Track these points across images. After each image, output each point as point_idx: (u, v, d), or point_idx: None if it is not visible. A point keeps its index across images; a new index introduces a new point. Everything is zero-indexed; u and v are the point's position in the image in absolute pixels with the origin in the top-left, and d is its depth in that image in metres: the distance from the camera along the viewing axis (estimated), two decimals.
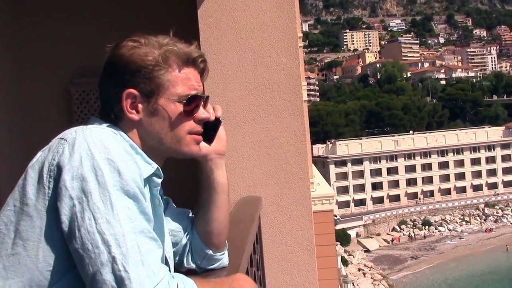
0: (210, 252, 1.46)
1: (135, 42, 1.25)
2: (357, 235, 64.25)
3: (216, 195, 1.44)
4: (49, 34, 3.73)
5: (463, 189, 74.01)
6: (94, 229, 1.02)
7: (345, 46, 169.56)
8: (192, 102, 1.28)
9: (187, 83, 1.28)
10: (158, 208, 1.27)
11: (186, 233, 1.46)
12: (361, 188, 70.69)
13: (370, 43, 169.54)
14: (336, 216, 62.19)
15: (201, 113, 1.31)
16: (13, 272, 1.09)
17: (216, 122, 1.39)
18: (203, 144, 1.37)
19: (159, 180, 1.25)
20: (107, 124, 1.24)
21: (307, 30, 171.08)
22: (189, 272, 1.44)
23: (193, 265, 1.47)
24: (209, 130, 1.37)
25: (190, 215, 1.50)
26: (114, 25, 3.47)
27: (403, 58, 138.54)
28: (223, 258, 1.51)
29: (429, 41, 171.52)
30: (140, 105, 1.25)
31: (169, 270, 1.26)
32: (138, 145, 1.25)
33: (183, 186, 1.61)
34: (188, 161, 1.38)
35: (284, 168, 2.64)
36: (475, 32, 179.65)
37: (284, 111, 2.64)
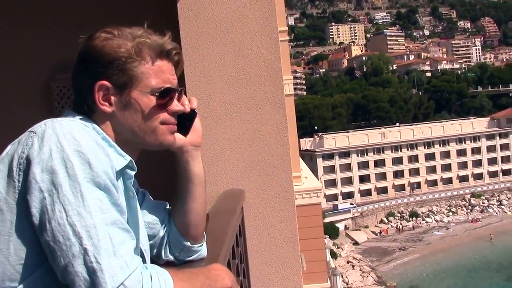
0: (188, 243, 1.46)
1: (108, 33, 1.24)
2: (346, 227, 64.63)
3: (192, 186, 1.44)
4: (29, 27, 3.68)
5: (449, 180, 74.69)
6: (64, 221, 1.01)
7: (331, 40, 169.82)
8: (166, 95, 1.27)
9: (160, 75, 1.27)
10: (132, 200, 1.26)
11: (164, 225, 1.46)
12: (348, 181, 71.05)
13: (356, 36, 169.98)
14: (353, 205, 62.75)
15: (175, 105, 1.30)
16: None
17: (192, 114, 1.39)
18: (178, 136, 1.37)
19: (133, 173, 1.25)
20: (80, 117, 1.23)
21: (293, 23, 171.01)
22: (167, 264, 1.44)
23: (171, 257, 1.47)
24: (185, 121, 1.37)
25: (168, 207, 1.50)
26: (96, 18, 3.44)
27: (389, 50, 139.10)
28: (201, 250, 1.50)
29: (414, 34, 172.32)
30: (113, 97, 1.24)
31: (145, 262, 1.26)
32: (111, 137, 1.24)
33: (160, 178, 1.61)
34: (165, 153, 1.38)
35: (266, 161, 2.65)
36: (460, 24, 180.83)
37: (266, 103, 2.64)
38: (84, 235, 1.00)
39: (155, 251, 1.46)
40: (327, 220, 53.65)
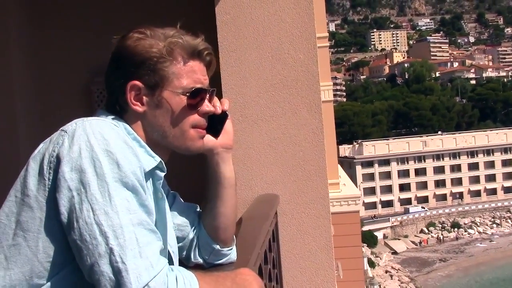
0: (218, 247, 1.45)
1: (141, 33, 1.25)
2: (384, 236, 63.51)
3: (223, 189, 1.43)
4: (69, 32, 3.78)
5: (493, 191, 72.39)
6: (92, 220, 1.02)
7: (372, 46, 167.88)
8: (197, 95, 1.26)
9: (192, 76, 1.26)
10: (161, 201, 1.26)
11: (193, 227, 1.45)
12: (388, 189, 69.85)
13: (398, 42, 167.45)
14: (424, 209, 61.27)
15: (206, 106, 1.29)
16: (13, 262, 1.09)
17: (223, 116, 1.38)
18: (209, 137, 1.36)
19: (162, 174, 1.25)
20: (112, 117, 1.24)
21: (334, 30, 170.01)
22: (195, 267, 1.43)
23: (200, 260, 1.46)
24: (216, 123, 1.35)
25: (198, 210, 1.49)
26: (134, 23, 3.49)
27: (432, 57, 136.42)
28: (231, 254, 1.49)
29: (458, 40, 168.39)
30: (144, 97, 1.24)
31: (173, 264, 1.25)
32: (142, 137, 1.24)
33: (191, 180, 1.60)
34: (196, 155, 1.37)
35: (302, 166, 2.61)
36: (507, 31, 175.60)
37: (302, 108, 2.61)
38: (110, 234, 1.00)
39: (184, 253, 1.45)
40: (365, 228, 52.87)
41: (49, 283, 1.09)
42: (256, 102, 2.61)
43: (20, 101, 3.67)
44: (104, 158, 1.06)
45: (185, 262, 1.46)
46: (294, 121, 2.61)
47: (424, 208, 65.47)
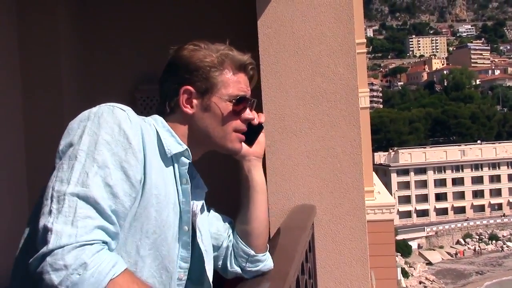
0: (252, 252, 1.52)
1: (196, 45, 1.41)
2: (419, 246, 62.33)
3: (255, 193, 1.53)
4: (117, 42, 3.93)
5: None
6: (51, 183, 1.13)
7: (410, 52, 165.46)
8: (241, 103, 1.41)
9: (237, 85, 1.41)
10: (185, 187, 1.35)
11: (228, 235, 1.54)
12: (424, 198, 68.55)
13: (437, 49, 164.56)
14: None
15: (247, 113, 1.44)
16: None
17: (259, 127, 1.51)
18: (244, 145, 1.49)
19: (187, 161, 1.35)
20: (162, 118, 1.38)
21: (372, 35, 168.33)
22: (236, 280, 1.49)
23: (238, 269, 1.53)
24: (251, 134, 1.48)
25: (231, 221, 1.59)
26: (176, 34, 3.61)
27: (473, 65, 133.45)
28: (267, 260, 1.56)
29: (501, 47, 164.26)
30: (194, 101, 1.38)
31: (203, 263, 1.38)
32: (183, 135, 1.37)
33: (226, 199, 1.67)
34: (228, 166, 1.45)
35: (339, 178, 2.65)
36: None
37: (341, 120, 2.65)
38: (55, 199, 1.09)
39: (220, 263, 1.53)
40: (399, 237, 52.03)
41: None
42: (295, 114, 2.66)
43: (68, 107, 3.83)
44: (86, 137, 1.16)
45: (222, 273, 1.54)
46: (333, 134, 2.65)
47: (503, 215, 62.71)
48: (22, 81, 3.86)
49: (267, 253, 1.57)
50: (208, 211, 1.53)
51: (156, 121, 1.35)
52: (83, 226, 1.06)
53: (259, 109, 2.68)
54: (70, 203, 1.08)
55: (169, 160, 1.31)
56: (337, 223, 2.64)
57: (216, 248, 1.52)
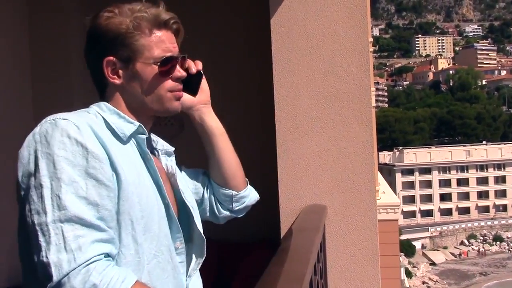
0: (234, 192, 1.57)
1: (110, 12, 1.33)
2: (423, 246, 62.23)
3: (214, 138, 1.55)
4: None
5: None
6: (29, 219, 1.11)
7: (416, 52, 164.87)
8: (168, 63, 1.35)
9: (160, 45, 1.34)
10: (150, 162, 1.33)
11: (205, 186, 1.58)
12: (428, 198, 68.41)
13: (444, 48, 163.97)
14: None
15: (178, 72, 1.38)
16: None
17: (198, 75, 1.52)
18: (188, 97, 1.49)
19: (144, 136, 1.34)
20: (104, 102, 1.34)
21: (378, 34, 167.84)
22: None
23: (227, 212, 1.59)
24: (193, 84, 1.50)
25: (204, 171, 1.62)
26: (185, 30, 3.59)
27: (479, 65, 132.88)
28: (250, 193, 1.61)
29: (507, 48, 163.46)
30: (120, 71, 1.33)
31: (193, 218, 1.40)
32: (123, 108, 1.34)
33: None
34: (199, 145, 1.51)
35: (350, 178, 2.64)
36: None
37: (353, 121, 2.64)
38: (39, 232, 1.09)
39: (208, 213, 1.58)
40: (403, 237, 51.94)
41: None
42: (307, 113, 2.65)
43: (77, 102, 3.82)
44: (41, 162, 1.14)
45: (215, 221, 1.59)
46: (345, 133, 2.64)
47: None
48: (32, 76, 3.87)
49: (248, 187, 1.62)
50: (180, 170, 1.55)
51: (100, 107, 1.32)
52: (77, 248, 1.07)
53: (270, 108, 2.68)
54: (56, 231, 1.08)
55: (127, 141, 1.29)
56: (348, 224, 2.63)
57: (199, 201, 1.55)
